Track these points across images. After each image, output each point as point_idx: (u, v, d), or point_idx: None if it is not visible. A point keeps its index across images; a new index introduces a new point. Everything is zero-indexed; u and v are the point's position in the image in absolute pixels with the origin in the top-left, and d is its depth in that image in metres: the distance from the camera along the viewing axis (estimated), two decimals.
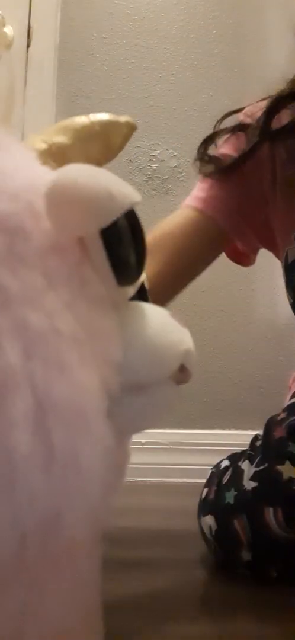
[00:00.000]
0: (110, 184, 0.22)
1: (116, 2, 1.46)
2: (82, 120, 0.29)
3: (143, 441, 1.23)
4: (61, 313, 0.22)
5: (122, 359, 0.23)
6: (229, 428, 1.36)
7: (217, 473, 0.71)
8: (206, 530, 0.67)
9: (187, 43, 1.46)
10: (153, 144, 1.42)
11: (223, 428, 1.35)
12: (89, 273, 0.23)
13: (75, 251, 0.23)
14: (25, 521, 0.20)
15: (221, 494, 0.66)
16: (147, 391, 0.25)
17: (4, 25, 1.36)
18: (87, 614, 0.27)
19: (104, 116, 0.30)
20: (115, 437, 0.23)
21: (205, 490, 0.70)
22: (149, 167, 1.41)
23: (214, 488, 0.68)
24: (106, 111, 1.30)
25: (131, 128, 0.31)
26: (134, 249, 0.24)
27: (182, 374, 0.26)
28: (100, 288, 0.23)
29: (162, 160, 1.42)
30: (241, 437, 1.28)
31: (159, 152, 1.42)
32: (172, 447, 1.27)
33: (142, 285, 0.29)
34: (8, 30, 1.37)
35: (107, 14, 1.45)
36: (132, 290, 0.25)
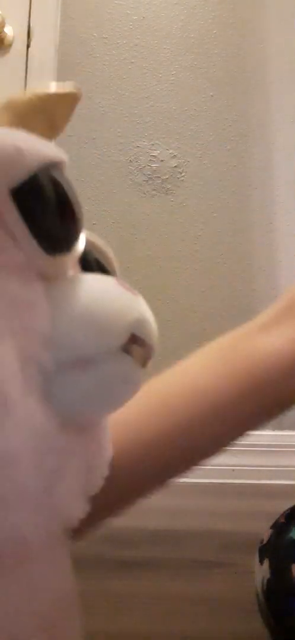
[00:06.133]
0: (20, 141, 0.20)
1: (116, 2, 1.46)
2: (20, 97, 0.26)
3: None
4: None
5: (52, 331, 0.21)
6: None
7: None
8: (258, 585, 0.47)
9: (187, 43, 1.46)
10: (153, 144, 1.42)
11: None
12: (2, 239, 0.21)
13: None
14: None
15: (287, 527, 0.48)
16: (94, 366, 0.22)
17: (4, 25, 1.36)
18: (64, 605, 0.25)
19: (44, 89, 0.27)
20: (57, 419, 0.21)
21: (270, 530, 0.50)
22: (149, 167, 1.41)
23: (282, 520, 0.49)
24: (106, 111, 1.30)
25: (75, 98, 0.27)
26: (59, 213, 0.22)
27: (140, 347, 0.23)
28: (17, 255, 0.21)
29: (162, 160, 1.42)
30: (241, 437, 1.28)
31: (159, 152, 1.42)
32: None
33: (106, 263, 0.27)
34: (8, 30, 1.37)
35: (107, 14, 1.45)
36: (68, 260, 0.23)
